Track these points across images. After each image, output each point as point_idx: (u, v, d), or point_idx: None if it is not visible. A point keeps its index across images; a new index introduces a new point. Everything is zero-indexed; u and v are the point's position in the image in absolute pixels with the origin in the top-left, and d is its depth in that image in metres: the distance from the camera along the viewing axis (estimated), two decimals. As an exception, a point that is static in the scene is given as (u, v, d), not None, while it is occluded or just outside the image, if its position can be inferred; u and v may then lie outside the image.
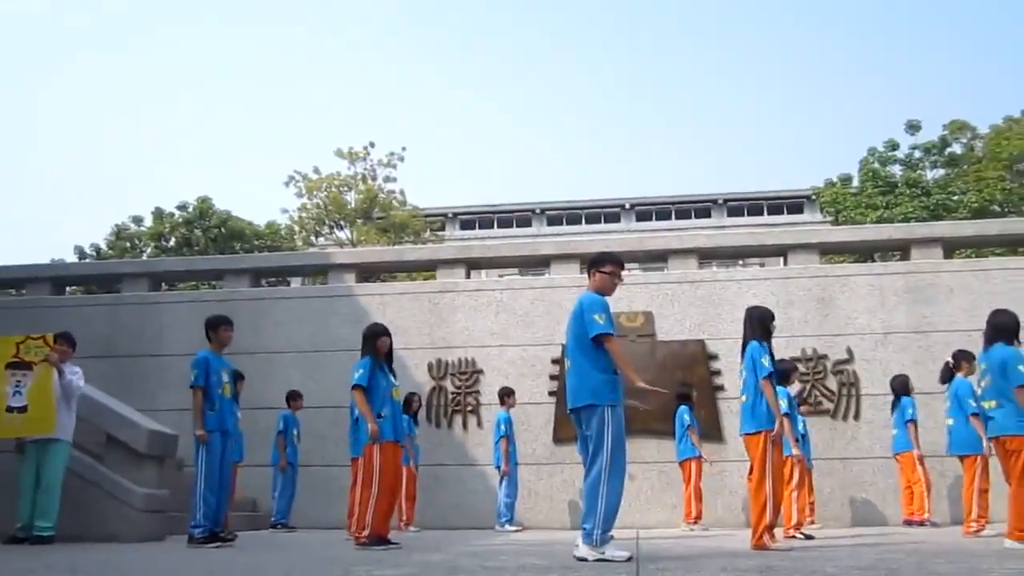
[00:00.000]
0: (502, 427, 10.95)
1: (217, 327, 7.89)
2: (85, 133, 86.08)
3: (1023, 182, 29.26)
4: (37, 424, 7.61)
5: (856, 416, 11.48)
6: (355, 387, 7.01)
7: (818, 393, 11.52)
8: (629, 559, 5.19)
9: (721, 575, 4.38)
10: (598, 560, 5.20)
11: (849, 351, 11.66)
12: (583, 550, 5.34)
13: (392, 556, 5.97)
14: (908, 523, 10.21)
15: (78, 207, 78.41)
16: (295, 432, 11.38)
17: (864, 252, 15.30)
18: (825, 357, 11.67)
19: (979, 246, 17.43)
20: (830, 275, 12.21)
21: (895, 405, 10.58)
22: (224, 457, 7.68)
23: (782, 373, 8.80)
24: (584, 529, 5.40)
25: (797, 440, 8.69)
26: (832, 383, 11.57)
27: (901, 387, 10.59)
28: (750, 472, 6.75)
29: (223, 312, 12.70)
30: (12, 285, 14.79)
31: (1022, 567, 4.63)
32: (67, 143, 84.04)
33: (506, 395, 11.24)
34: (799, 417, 9.51)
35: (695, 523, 10.42)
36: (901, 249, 13.03)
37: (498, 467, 10.96)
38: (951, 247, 12.88)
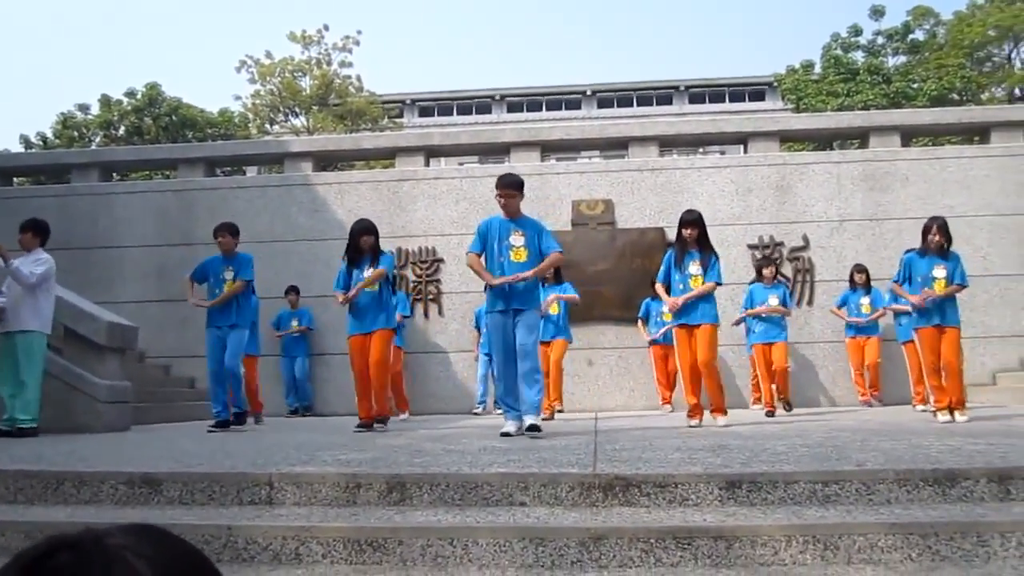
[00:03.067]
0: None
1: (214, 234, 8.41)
2: (23, 13, 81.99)
3: (983, 70, 29.23)
4: None
5: (810, 302, 11.76)
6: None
7: (773, 280, 11.76)
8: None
9: (675, 454, 4.54)
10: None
11: (805, 238, 11.84)
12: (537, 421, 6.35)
13: (357, 440, 6.10)
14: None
15: (19, 94, 75.35)
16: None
17: (824, 140, 15.33)
18: (781, 244, 11.85)
19: (936, 134, 17.54)
20: (789, 163, 12.27)
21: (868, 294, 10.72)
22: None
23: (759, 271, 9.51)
24: (534, 406, 6.37)
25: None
26: (788, 270, 11.79)
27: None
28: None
29: (180, 203, 12.52)
30: (-44, 175, 14.31)
31: (958, 444, 4.87)
32: (2, 24, 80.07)
33: None
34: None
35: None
36: (860, 137, 13.09)
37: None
38: (909, 135, 12.96)
